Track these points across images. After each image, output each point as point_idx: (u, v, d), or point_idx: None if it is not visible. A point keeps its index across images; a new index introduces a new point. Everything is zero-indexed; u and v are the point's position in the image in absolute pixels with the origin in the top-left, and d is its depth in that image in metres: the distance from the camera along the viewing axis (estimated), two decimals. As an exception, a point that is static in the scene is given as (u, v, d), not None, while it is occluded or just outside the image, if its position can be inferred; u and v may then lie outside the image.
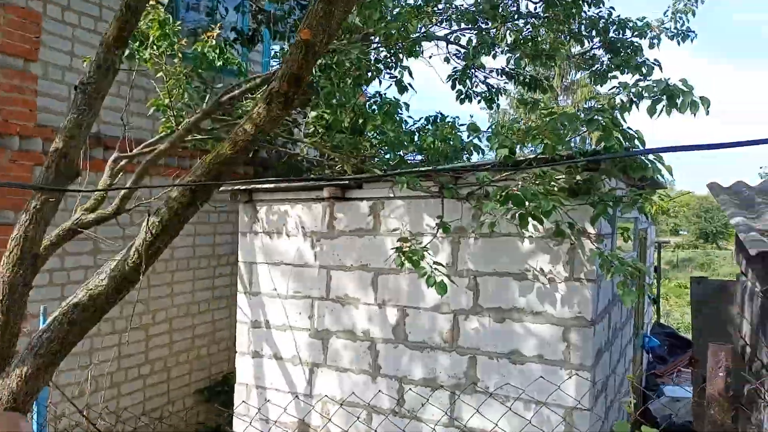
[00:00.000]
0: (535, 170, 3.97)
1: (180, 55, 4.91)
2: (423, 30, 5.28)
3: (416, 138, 5.97)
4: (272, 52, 8.17)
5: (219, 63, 5.13)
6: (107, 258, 5.36)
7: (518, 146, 4.12)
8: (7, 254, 2.90)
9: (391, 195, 4.61)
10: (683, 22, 5.91)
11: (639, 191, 3.74)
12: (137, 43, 4.79)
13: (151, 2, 4.58)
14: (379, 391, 4.45)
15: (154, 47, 4.77)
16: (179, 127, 4.57)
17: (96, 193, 4.06)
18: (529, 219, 3.68)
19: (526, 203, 3.63)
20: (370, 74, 5.16)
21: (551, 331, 4.03)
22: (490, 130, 5.74)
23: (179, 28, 4.83)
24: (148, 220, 2.65)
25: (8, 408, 2.54)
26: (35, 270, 2.98)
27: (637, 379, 7.60)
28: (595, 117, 3.71)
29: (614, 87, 4.02)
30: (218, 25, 5.75)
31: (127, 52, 4.29)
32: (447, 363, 4.34)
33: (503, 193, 3.74)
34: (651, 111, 3.74)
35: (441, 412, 4.29)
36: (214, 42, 5.20)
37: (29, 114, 5.01)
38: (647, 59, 5.84)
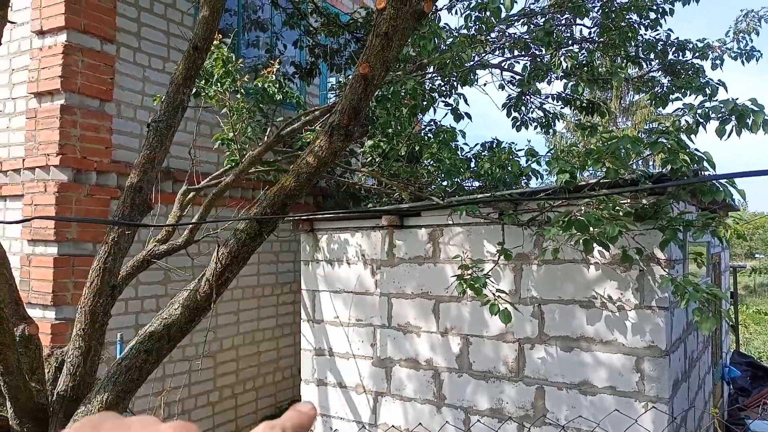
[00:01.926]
0: (598, 194, 3.88)
1: (242, 91, 5.12)
2: (477, 58, 5.30)
3: (473, 164, 5.96)
4: (329, 85, 8.38)
5: (279, 97, 5.31)
6: (179, 288, 5.56)
7: (579, 171, 4.05)
8: (89, 285, 3.06)
9: (450, 222, 4.60)
10: (747, 41, 5.70)
11: (711, 215, 3.59)
12: (203, 81, 5.03)
13: (215, 42, 4.82)
14: (446, 422, 4.38)
15: (218, 84, 4.99)
16: (243, 160, 4.73)
17: (166, 224, 4.25)
18: (594, 245, 3.60)
19: (591, 228, 3.55)
20: (425, 103, 5.22)
21: (623, 361, 3.88)
22: (548, 154, 5.67)
23: (241, 65, 5.04)
24: (217, 251, 2.75)
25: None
26: (113, 299, 3.13)
27: (720, 412, 7.16)
28: (660, 139, 3.61)
29: (678, 109, 3.89)
30: (278, 60, 5.97)
31: (193, 90, 4.51)
32: (513, 393, 4.24)
33: (566, 219, 3.67)
34: (720, 132, 3.61)
35: (507, 444, 4.18)
36: (273, 77, 5.39)
37: (105, 151, 5.31)
38: (710, 80, 5.65)
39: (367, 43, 2.49)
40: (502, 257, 4.04)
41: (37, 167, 5.07)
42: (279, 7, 6.67)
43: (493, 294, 3.73)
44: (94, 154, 5.21)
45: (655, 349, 3.78)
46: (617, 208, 3.84)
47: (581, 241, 3.61)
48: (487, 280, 3.76)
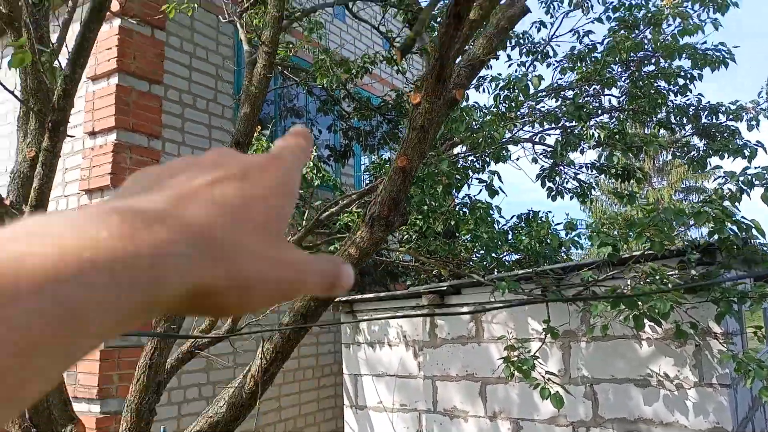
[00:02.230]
0: (644, 268, 3.79)
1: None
2: (509, 135, 5.38)
3: (510, 237, 5.92)
4: (363, 166, 8.58)
5: (317, 182, 5.45)
6: (221, 377, 5.54)
7: (621, 242, 3.98)
8: (135, 382, 3.08)
9: (492, 300, 4.52)
10: (781, 102, 5.66)
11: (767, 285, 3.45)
12: (244, 171, 5.21)
13: (255, 133, 5.04)
14: None
15: (259, 173, 5.15)
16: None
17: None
18: (645, 320, 3.47)
19: (640, 304, 3.44)
20: (458, 180, 5.27)
21: (686, 446, 3.65)
22: (586, 223, 5.61)
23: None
24: (262, 347, 2.75)
25: None
26: (159, 395, 3.14)
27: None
28: (704, 209, 3.53)
29: (719, 176, 3.83)
30: (313, 148, 6.16)
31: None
32: (569, 482, 4.00)
33: (613, 294, 3.58)
34: (766, 199, 3.53)
35: None
36: (311, 163, 5.56)
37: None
38: (748, 142, 5.58)
39: (403, 136, 2.56)
40: (548, 336, 3.93)
41: (86, 260, 5.24)
42: (313, 95, 6.96)
43: (543, 376, 3.60)
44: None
45: (721, 431, 3.55)
46: (665, 280, 3.73)
47: (631, 317, 3.49)
48: (535, 362, 3.64)
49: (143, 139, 5.57)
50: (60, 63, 2.89)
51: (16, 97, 2.59)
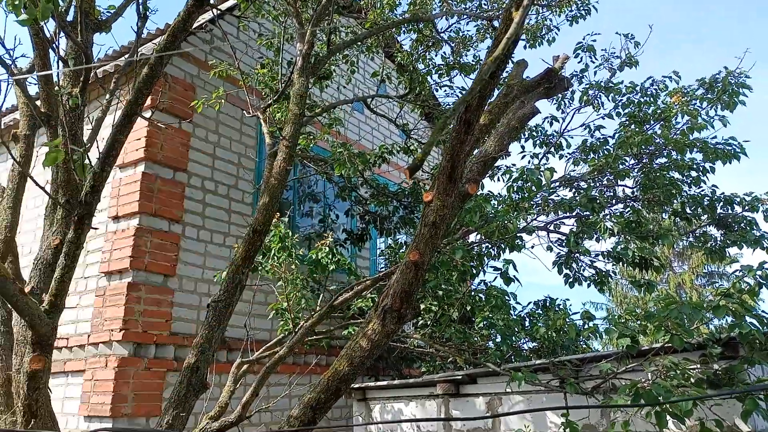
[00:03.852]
0: (664, 361, 3.70)
1: (296, 262, 5.35)
2: (522, 224, 5.44)
3: (527, 323, 5.84)
4: (379, 250, 8.65)
5: (332, 267, 5.50)
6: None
7: (640, 335, 3.91)
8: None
9: (509, 390, 4.40)
10: (796, 192, 5.68)
11: (793, 382, 3.33)
12: (260, 256, 5.31)
13: (273, 221, 5.17)
14: None
15: (275, 258, 5.25)
16: (296, 330, 4.80)
17: (221, 399, 4.24)
18: (668, 417, 3.35)
19: (660, 398, 3.33)
20: (473, 267, 5.29)
21: None
22: (606, 309, 5.51)
23: (296, 240, 5.33)
24: (272, 438, 2.70)
25: None
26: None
27: None
28: (722, 303, 3.49)
29: (736, 270, 3.81)
30: (330, 233, 6.27)
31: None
32: None
33: (633, 389, 3.48)
34: (786, 292, 3.49)
35: None
36: (327, 248, 5.64)
37: (165, 324, 5.50)
38: (765, 233, 5.57)
39: (416, 231, 2.63)
40: (567, 430, 3.79)
41: (100, 343, 5.27)
42: (332, 181, 7.16)
43: (563, 477, 3.44)
44: (155, 327, 5.40)
45: None
46: (687, 374, 3.62)
47: (653, 413, 3.37)
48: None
49: (164, 224, 5.73)
50: (90, 159, 3.06)
51: (45, 191, 2.73)
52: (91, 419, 5.05)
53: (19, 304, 2.47)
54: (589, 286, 6.13)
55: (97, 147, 3.03)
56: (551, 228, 5.82)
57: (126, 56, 4.36)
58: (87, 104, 3.89)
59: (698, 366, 3.72)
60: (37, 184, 2.85)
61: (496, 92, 3.83)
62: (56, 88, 3.52)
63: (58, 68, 3.51)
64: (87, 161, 2.94)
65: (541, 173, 4.67)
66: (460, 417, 4.31)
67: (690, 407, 3.16)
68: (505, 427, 4.36)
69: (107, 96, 3.49)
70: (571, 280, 6.28)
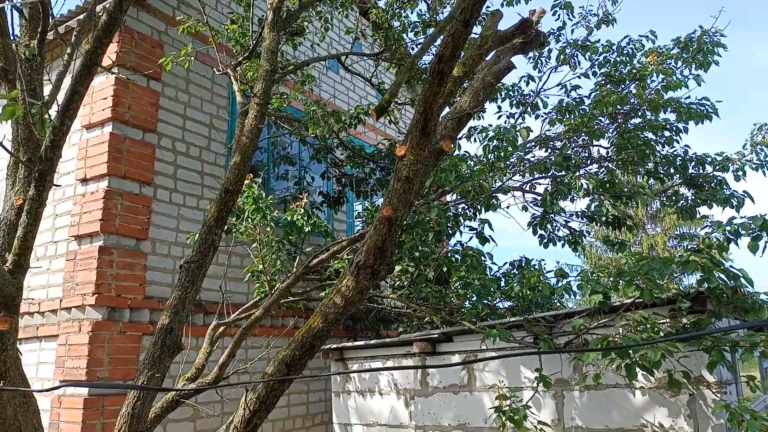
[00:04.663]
0: (634, 316, 3.77)
1: (272, 224, 5.29)
2: (498, 184, 5.44)
3: (502, 283, 5.90)
4: (355, 212, 8.62)
5: (307, 229, 5.45)
6: (208, 425, 5.40)
7: (612, 291, 3.97)
8: (116, 431, 3.00)
9: (484, 347, 4.47)
10: (766, 153, 5.76)
11: (759, 333, 3.42)
12: (234, 218, 5.23)
13: (246, 181, 5.08)
14: None
15: (249, 220, 5.17)
16: (272, 292, 4.78)
17: (197, 361, 4.22)
18: (638, 370, 3.43)
19: (631, 353, 3.41)
20: (449, 228, 5.29)
21: (683, 500, 3.54)
22: (580, 270, 5.60)
23: (271, 201, 5.25)
24: (245, 397, 2.69)
25: None
26: (141, 447, 3.05)
27: None
28: (692, 258, 3.55)
29: (706, 225, 3.87)
30: (305, 194, 6.20)
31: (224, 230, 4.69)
32: None
33: (604, 344, 3.55)
34: (753, 248, 3.57)
35: None
36: (302, 210, 5.58)
37: (139, 288, 5.43)
38: (735, 192, 5.66)
39: (389, 186, 2.59)
40: (540, 384, 3.87)
41: (73, 307, 5.19)
42: (306, 143, 7.05)
43: (535, 427, 3.52)
44: (129, 291, 5.33)
45: (719, 485, 3.46)
46: (656, 329, 3.70)
47: (623, 366, 3.45)
48: (527, 411, 3.57)
49: (135, 186, 5.60)
50: (50, 115, 2.94)
51: (4, 147, 2.61)
52: (68, 383, 5.00)
53: (-21, 264, 2.39)
54: (563, 246, 6.20)
55: (57, 104, 2.90)
56: (526, 188, 5.83)
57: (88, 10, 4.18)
58: (46, 60, 3.73)
59: (667, 320, 3.80)
60: (-6, 141, 2.73)
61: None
62: (12, 39, 3.35)
63: (12, 19, 3.34)
64: (47, 116, 2.82)
65: (518, 132, 4.64)
66: (433, 365, 4.37)
67: (659, 359, 3.23)
68: (480, 383, 4.44)
69: (68, 50, 3.33)
70: (545, 240, 6.34)
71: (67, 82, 3.53)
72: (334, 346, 5.17)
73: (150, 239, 5.65)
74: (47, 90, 3.61)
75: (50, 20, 3.33)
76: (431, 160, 2.99)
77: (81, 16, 5.87)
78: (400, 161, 2.53)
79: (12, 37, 3.47)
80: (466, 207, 5.88)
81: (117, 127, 5.56)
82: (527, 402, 3.69)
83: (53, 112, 2.97)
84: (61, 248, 5.58)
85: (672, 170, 6.03)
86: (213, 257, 3.64)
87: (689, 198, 6.09)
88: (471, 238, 5.04)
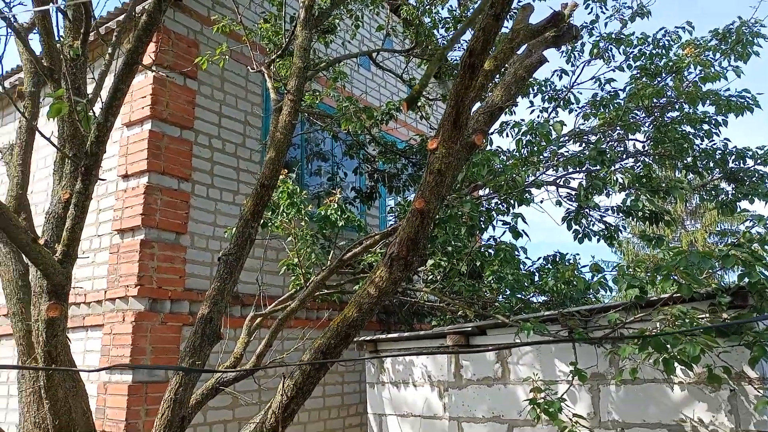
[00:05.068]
0: (672, 310, 3.71)
1: (306, 219, 5.37)
2: (531, 178, 5.40)
3: (536, 278, 5.85)
4: (388, 207, 8.66)
5: (341, 223, 5.52)
6: (246, 414, 5.52)
7: (649, 285, 3.91)
8: (160, 416, 3.11)
9: (518, 341, 4.45)
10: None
11: (802, 328, 3.34)
12: (270, 212, 5.33)
13: (281, 177, 5.17)
14: None
15: (284, 215, 5.27)
16: (307, 285, 4.86)
17: (235, 350, 4.34)
18: (676, 364, 3.38)
19: (669, 347, 3.36)
20: (482, 222, 5.28)
21: (722, 497, 3.48)
22: (615, 270, 5.51)
23: (305, 195, 5.34)
24: (283, 383, 2.76)
25: None
26: (183, 430, 3.15)
27: None
28: (732, 253, 3.47)
29: (747, 219, 3.78)
30: (339, 189, 6.27)
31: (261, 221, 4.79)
32: None
33: (641, 337, 3.50)
34: (796, 240, 3.46)
35: None
36: (336, 205, 5.65)
37: (179, 280, 5.59)
38: (777, 186, 5.50)
39: (421, 179, 2.62)
40: (576, 378, 3.85)
41: (117, 298, 5.37)
42: (339, 139, 7.12)
43: (570, 419, 3.51)
44: (169, 283, 5.49)
45: (761, 482, 3.39)
46: (695, 323, 3.63)
47: (661, 360, 3.41)
48: (561, 404, 3.56)
49: (173, 182, 5.76)
50: (94, 112, 3.06)
51: (52, 143, 2.73)
52: (112, 371, 5.19)
53: (32, 253, 2.51)
54: (598, 241, 6.11)
55: (101, 100, 3.02)
56: (560, 183, 5.77)
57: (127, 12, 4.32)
58: (89, 59, 3.87)
59: (707, 315, 3.73)
60: (43, 136, 2.86)
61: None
62: (57, 40, 3.49)
63: (57, 21, 3.48)
64: (91, 113, 2.94)
65: (551, 126, 4.60)
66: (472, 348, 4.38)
67: (697, 353, 3.18)
68: (515, 376, 4.43)
69: (109, 50, 3.46)
70: (580, 235, 6.26)
71: (109, 80, 3.67)
72: (369, 338, 5.23)
73: (189, 233, 5.81)
74: (91, 88, 3.76)
75: (92, 21, 3.45)
76: (463, 154, 3.01)
77: (120, 17, 6.05)
78: (432, 154, 2.56)
79: (57, 38, 3.62)
80: (498, 202, 5.86)
81: (156, 125, 5.73)
82: (562, 395, 3.68)
83: (97, 109, 3.09)
84: (105, 241, 5.78)
85: (711, 164, 5.89)
86: (250, 250, 3.73)
87: (729, 192, 5.93)
88: (504, 232, 5.02)
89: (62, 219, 3.26)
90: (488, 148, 6.02)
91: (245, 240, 3.71)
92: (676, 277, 3.56)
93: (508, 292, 5.16)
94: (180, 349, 5.32)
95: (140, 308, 5.24)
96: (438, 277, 6.12)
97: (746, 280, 3.40)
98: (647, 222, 6.04)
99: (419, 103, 7.00)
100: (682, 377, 3.80)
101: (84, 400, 3.27)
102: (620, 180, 5.07)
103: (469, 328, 4.66)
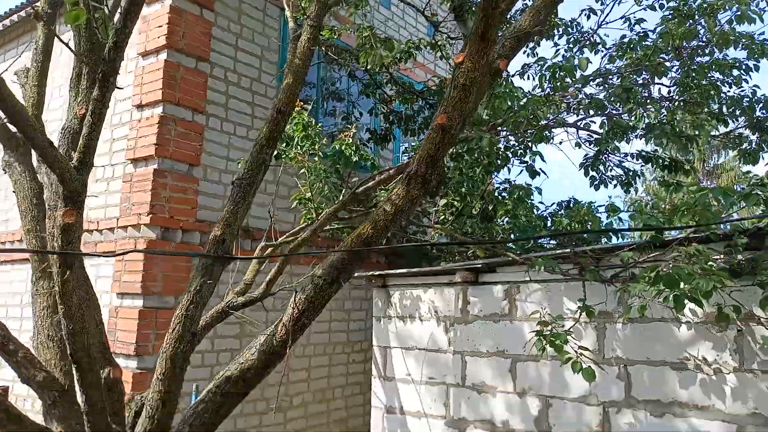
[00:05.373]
0: (687, 249, 3.67)
1: (320, 153, 5.34)
2: (552, 117, 5.30)
3: (549, 224, 5.83)
4: (402, 149, 8.59)
5: (355, 159, 5.49)
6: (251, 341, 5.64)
7: (666, 224, 3.86)
8: (171, 331, 3.16)
9: (527, 279, 4.46)
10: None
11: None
12: (283, 144, 5.30)
13: (296, 108, 5.11)
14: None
15: (298, 147, 5.24)
16: (319, 218, 4.86)
17: (245, 278, 4.38)
18: (686, 301, 3.36)
19: (681, 284, 3.33)
20: (499, 161, 5.22)
21: (722, 430, 3.52)
22: (631, 210, 5.46)
23: (320, 129, 5.28)
24: (295, 296, 2.79)
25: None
26: (193, 347, 3.21)
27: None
28: (755, 191, 3.41)
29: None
30: (353, 126, 6.21)
31: (275, 151, 4.76)
32: (599, 463, 3.92)
33: (653, 273, 3.48)
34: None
35: None
36: (350, 140, 5.60)
37: (191, 211, 5.62)
38: (804, 136, 5.36)
39: (445, 95, 2.56)
40: (583, 314, 3.86)
41: (129, 226, 5.42)
42: (356, 78, 7.00)
43: (576, 352, 3.53)
44: (181, 213, 5.52)
45: (760, 417, 3.42)
46: (710, 263, 3.60)
47: (671, 297, 3.39)
48: (568, 337, 3.58)
49: (188, 113, 5.72)
50: (113, 20, 3.00)
51: (69, 48, 2.70)
52: (123, 296, 5.29)
53: (48, 156, 2.51)
54: (615, 186, 6.05)
55: (120, 11, 2.95)
56: (581, 126, 5.67)
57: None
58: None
59: (722, 256, 3.69)
60: (62, 41, 2.83)
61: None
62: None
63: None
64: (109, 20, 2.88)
65: (576, 62, 4.47)
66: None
67: (710, 288, 3.16)
68: (521, 313, 4.46)
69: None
70: (597, 182, 6.20)
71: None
72: (378, 272, 5.27)
73: (202, 165, 5.80)
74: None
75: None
76: (487, 77, 2.93)
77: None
78: (457, 68, 2.49)
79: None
80: (516, 144, 5.77)
81: (171, 55, 5.65)
82: (568, 330, 3.69)
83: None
84: (118, 171, 5.79)
85: (737, 112, 5.74)
86: (263, 176, 3.71)
87: (753, 141, 5.80)
88: (521, 171, 4.97)
89: (77, 134, 3.25)
90: (509, 88, 5.89)
91: (259, 165, 3.68)
92: (694, 216, 3.51)
93: (521, 234, 5.14)
94: (190, 278, 5.38)
95: (152, 236, 5.29)
96: (450, 218, 6.11)
97: (765, 220, 3.35)
98: (666, 170, 5.95)
99: (440, 42, 6.83)
100: (690, 317, 3.80)
101: (97, 312, 3.34)
102: (645, 119, 4.95)
103: (479, 265, 4.66)
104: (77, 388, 2.96)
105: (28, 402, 5.91)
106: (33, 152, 3.98)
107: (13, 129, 4.01)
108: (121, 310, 5.24)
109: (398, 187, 2.71)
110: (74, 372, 2.82)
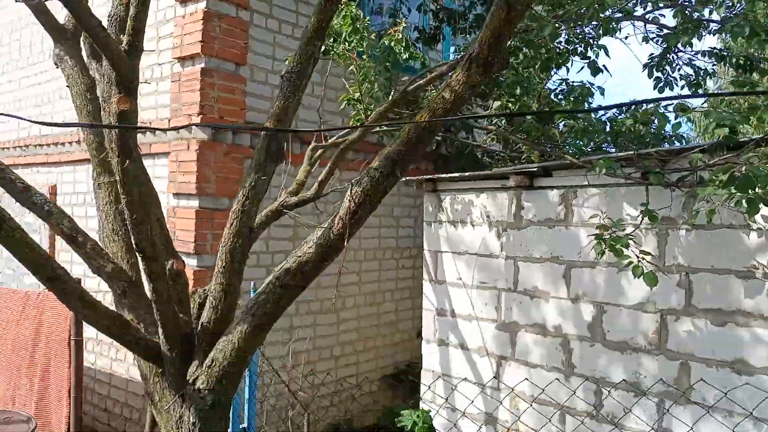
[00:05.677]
0: (765, 150, 3.42)
1: (368, 52, 5.11)
2: (618, 8, 4.88)
3: (609, 128, 5.54)
4: (451, 50, 8.21)
5: (405, 56, 5.24)
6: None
7: (740, 125, 3.58)
8: (228, 226, 3.18)
9: (585, 183, 4.28)
10: None
11: None
12: (331, 40, 5.09)
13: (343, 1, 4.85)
14: (574, 392, 4.13)
15: (346, 42, 5.02)
16: (368, 118, 4.73)
17: (297, 178, 4.36)
18: (761, 205, 3.16)
19: (757, 187, 3.12)
20: (559, 56, 4.89)
21: (790, 338, 3.42)
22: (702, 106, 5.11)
23: (369, 22, 5.02)
24: (351, 189, 2.73)
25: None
26: (251, 242, 3.24)
27: None
28: None
29: None
30: (401, 23, 5.89)
31: (323, 45, 4.57)
32: (653, 368, 3.90)
33: (726, 175, 3.26)
34: None
35: (646, 422, 3.85)
36: (400, 36, 5.33)
37: (239, 112, 5.56)
38: None
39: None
40: (645, 219, 3.70)
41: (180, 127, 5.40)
42: (405, -30, 6.58)
43: (637, 256, 3.42)
44: (230, 114, 5.47)
45: (833, 327, 3.29)
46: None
47: (744, 201, 3.19)
48: (629, 241, 3.45)
49: (232, 9, 5.52)
50: None
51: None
52: (179, 197, 5.38)
53: (100, 37, 2.43)
54: (682, 88, 5.64)
55: None
56: (650, 18, 5.22)
57: None
58: None
59: (804, 158, 3.42)
60: None
61: None
62: None
63: None
64: None
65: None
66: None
67: (791, 189, 2.95)
68: (578, 218, 4.32)
69: None
70: (662, 83, 5.79)
71: None
72: (428, 177, 5.17)
73: (248, 65, 5.67)
74: None
75: None
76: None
77: None
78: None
79: None
80: (577, 42, 5.38)
81: (213, -52, 5.37)
82: (629, 234, 3.56)
83: None
84: (166, 70, 5.72)
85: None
86: (312, 70, 3.56)
87: None
88: (582, 68, 4.64)
89: (124, 21, 3.14)
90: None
91: (308, 58, 3.52)
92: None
93: (580, 136, 4.91)
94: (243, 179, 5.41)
95: (203, 137, 5.28)
96: (503, 123, 5.88)
97: None
98: (740, 70, 5.50)
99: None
100: (762, 223, 3.60)
101: (157, 206, 3.37)
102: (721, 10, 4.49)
103: (534, 168, 4.50)
104: (144, 279, 3.05)
105: (98, 296, 6.24)
106: (82, 46, 3.94)
107: (60, 20, 3.94)
108: (178, 210, 5.35)
109: (458, 72, 2.54)
110: (140, 262, 2.89)
